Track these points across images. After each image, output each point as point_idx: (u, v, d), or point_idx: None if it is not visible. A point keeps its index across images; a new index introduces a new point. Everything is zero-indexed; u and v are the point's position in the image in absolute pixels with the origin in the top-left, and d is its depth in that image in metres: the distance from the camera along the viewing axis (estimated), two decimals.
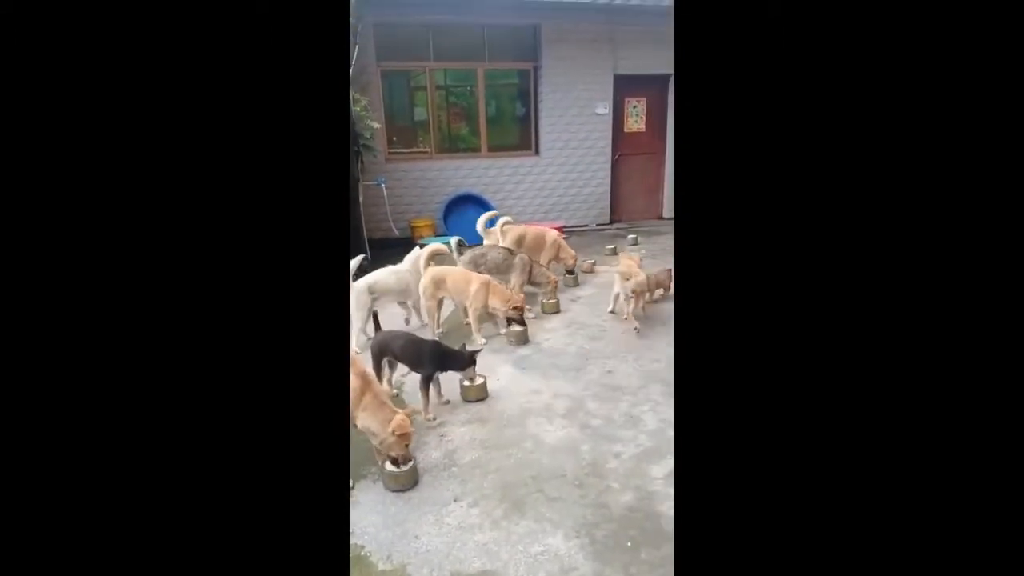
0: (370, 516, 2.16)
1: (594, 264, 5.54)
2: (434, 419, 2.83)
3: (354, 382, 2.28)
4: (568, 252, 5.06)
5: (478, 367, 3.05)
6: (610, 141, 7.53)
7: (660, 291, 4.53)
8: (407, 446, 2.29)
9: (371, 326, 3.36)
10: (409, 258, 4.08)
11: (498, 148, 7.35)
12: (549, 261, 4.93)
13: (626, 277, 3.96)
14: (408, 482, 2.31)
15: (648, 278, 4.24)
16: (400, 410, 2.30)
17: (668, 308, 4.44)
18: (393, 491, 2.29)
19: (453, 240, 4.52)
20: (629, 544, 1.98)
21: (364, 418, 2.28)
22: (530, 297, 4.46)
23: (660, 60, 7.27)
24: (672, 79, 7.47)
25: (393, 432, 2.22)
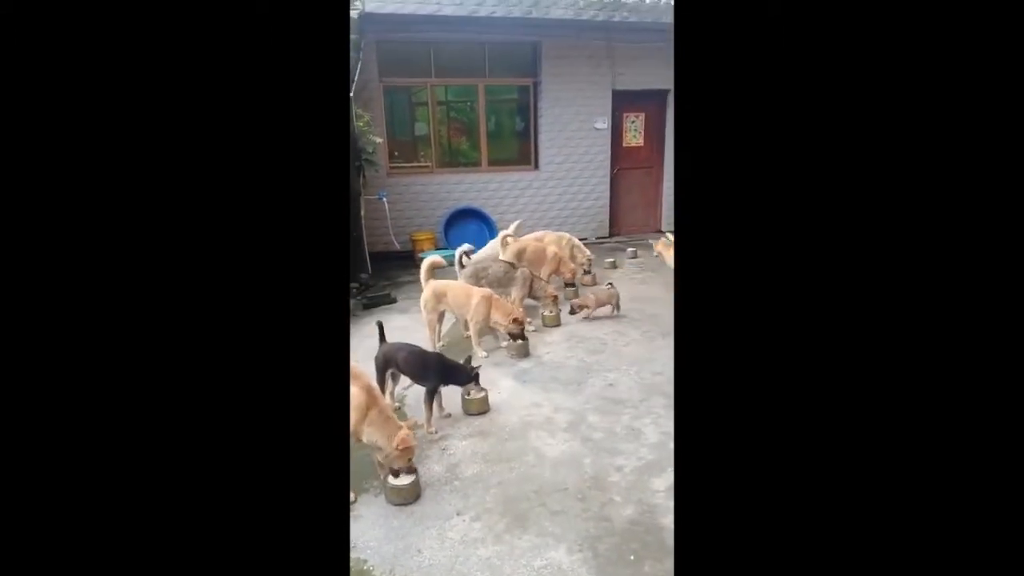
0: (372, 530, 2.16)
1: (594, 276, 5.57)
2: (436, 432, 2.84)
3: (360, 397, 2.29)
4: (568, 266, 5.10)
5: (479, 380, 3.06)
6: (609, 155, 7.60)
7: (605, 308, 4.58)
8: (410, 459, 2.30)
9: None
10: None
11: (498, 162, 7.42)
12: (550, 275, 4.96)
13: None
14: (410, 496, 2.32)
15: (595, 294, 4.54)
16: (403, 424, 2.32)
17: (670, 319, 4.46)
18: (395, 505, 2.30)
19: (458, 252, 4.54)
20: (632, 558, 1.99)
21: (370, 432, 2.29)
22: (530, 310, 4.49)
23: (658, 76, 7.36)
24: (670, 94, 7.56)
25: (397, 446, 2.23)
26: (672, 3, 6.86)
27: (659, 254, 6.05)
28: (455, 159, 7.38)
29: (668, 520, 2.16)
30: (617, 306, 4.60)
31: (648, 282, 5.71)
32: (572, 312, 4.49)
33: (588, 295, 4.56)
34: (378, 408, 2.32)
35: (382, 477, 2.38)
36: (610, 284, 4.67)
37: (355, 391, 2.30)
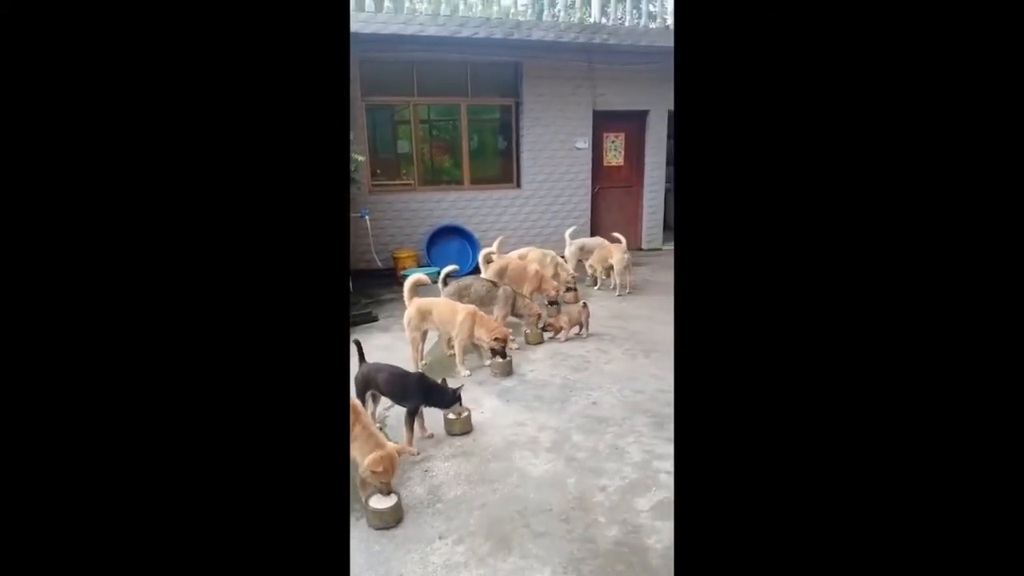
0: (353, 555, 2.10)
1: (577, 294, 5.59)
2: (417, 454, 2.80)
3: None
4: (550, 283, 5.11)
5: (463, 399, 3.03)
6: (590, 174, 7.70)
7: (576, 329, 4.59)
8: (384, 482, 2.25)
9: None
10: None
11: (480, 181, 7.46)
12: (532, 292, 4.97)
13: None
14: (392, 519, 2.27)
15: (568, 315, 4.55)
16: (390, 443, 2.28)
17: (652, 337, 4.49)
18: (377, 529, 2.25)
19: (444, 271, 4.51)
20: None
21: (353, 449, 2.26)
22: (514, 328, 4.48)
23: (637, 97, 7.51)
24: (650, 115, 7.72)
25: (368, 466, 2.19)
26: (651, 27, 7.04)
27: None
28: (437, 177, 7.40)
29: (653, 540, 2.15)
30: (586, 325, 4.59)
31: (628, 299, 5.76)
32: (544, 330, 4.48)
33: (561, 316, 4.56)
34: (361, 424, 2.29)
35: (363, 500, 2.33)
36: (584, 304, 4.67)
37: None
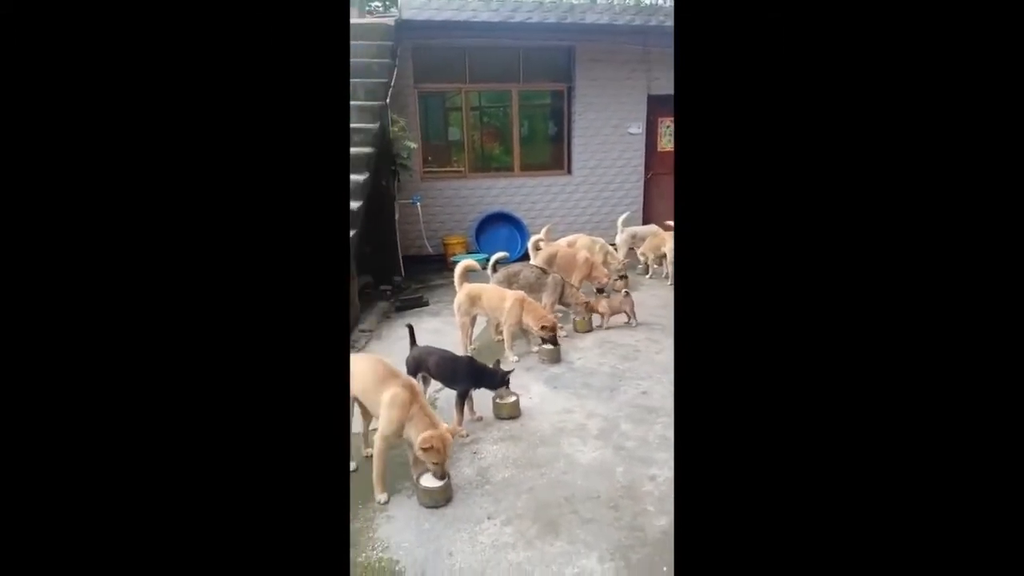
0: (404, 532, 2.17)
1: (627, 282, 5.50)
2: (467, 436, 2.85)
3: (403, 395, 2.32)
4: (600, 271, 5.04)
5: (510, 385, 3.06)
6: (643, 161, 7.53)
7: (622, 317, 4.50)
8: (437, 463, 2.27)
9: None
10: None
11: (531, 167, 7.43)
12: (581, 280, 4.92)
13: None
14: (441, 499, 2.32)
15: (608, 302, 4.48)
16: (444, 425, 2.32)
17: None
18: (427, 507, 2.31)
19: (493, 258, 4.54)
20: (665, 569, 1.95)
21: (409, 428, 2.31)
22: (562, 316, 4.46)
23: None
24: None
25: (420, 445, 2.24)
26: None
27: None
28: (488, 164, 7.42)
29: None
30: (632, 314, 4.50)
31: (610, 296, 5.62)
32: (578, 315, 4.41)
33: (600, 301, 4.49)
34: (419, 405, 2.34)
35: (414, 478, 2.39)
36: (626, 292, 4.59)
37: (398, 390, 2.33)
